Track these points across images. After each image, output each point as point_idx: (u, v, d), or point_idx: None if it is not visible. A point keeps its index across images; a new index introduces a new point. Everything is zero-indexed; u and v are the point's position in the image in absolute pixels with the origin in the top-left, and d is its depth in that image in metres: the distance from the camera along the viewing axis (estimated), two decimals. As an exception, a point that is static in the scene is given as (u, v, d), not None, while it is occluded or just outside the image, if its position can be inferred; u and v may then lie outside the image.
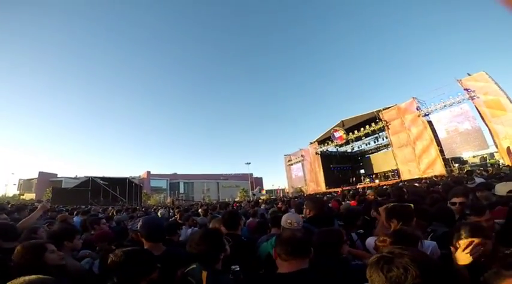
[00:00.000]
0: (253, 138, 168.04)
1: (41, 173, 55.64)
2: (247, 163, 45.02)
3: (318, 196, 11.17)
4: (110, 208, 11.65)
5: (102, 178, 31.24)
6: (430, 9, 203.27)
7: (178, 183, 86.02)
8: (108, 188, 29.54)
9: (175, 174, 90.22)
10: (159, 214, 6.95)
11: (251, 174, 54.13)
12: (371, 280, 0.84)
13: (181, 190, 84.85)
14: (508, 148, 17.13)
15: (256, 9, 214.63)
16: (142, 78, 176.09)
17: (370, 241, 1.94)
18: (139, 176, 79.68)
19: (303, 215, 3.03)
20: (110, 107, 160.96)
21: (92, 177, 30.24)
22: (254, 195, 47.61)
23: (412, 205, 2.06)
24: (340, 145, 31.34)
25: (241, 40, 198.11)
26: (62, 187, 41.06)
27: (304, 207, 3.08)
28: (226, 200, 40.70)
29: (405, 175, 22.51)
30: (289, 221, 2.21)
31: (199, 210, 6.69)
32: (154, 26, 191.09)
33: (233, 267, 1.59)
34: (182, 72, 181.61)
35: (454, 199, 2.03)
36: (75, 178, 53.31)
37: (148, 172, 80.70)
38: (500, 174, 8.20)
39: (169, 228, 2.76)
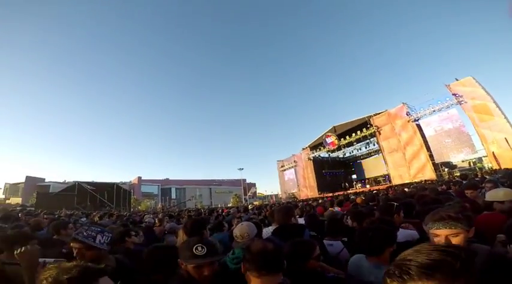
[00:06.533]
0: (246, 143, 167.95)
1: (28, 177, 54.04)
2: (240, 168, 44.71)
3: (309, 202, 11.35)
4: (95, 213, 11.23)
5: (90, 183, 30.58)
6: (419, 15, 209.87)
7: (170, 188, 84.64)
8: (96, 193, 28.80)
9: (167, 180, 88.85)
10: (145, 220, 6.69)
11: (244, 180, 53.58)
12: None
13: (173, 196, 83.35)
14: (493, 153, 17.41)
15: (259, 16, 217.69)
16: (135, 81, 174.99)
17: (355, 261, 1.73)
18: (130, 182, 78.61)
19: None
20: (103, 112, 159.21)
21: (78, 181, 29.55)
22: (247, 200, 47.05)
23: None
24: (332, 151, 31.64)
25: (240, 49, 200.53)
26: (50, 191, 40.30)
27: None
28: (219, 206, 40.20)
29: (396, 180, 22.65)
30: (239, 233, 1.90)
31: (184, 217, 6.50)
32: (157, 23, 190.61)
33: None
34: (176, 76, 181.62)
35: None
36: (64, 183, 51.81)
37: (140, 178, 79.51)
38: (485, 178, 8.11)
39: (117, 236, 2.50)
